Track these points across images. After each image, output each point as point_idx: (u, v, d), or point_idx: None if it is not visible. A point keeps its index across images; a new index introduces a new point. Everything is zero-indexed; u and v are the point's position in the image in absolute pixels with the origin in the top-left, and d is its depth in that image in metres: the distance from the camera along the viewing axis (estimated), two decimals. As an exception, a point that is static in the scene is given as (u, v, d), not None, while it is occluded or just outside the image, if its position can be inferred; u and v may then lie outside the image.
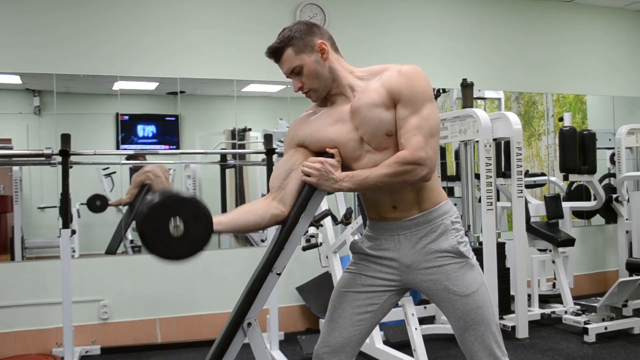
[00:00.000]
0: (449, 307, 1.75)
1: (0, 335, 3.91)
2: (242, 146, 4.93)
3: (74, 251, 4.11)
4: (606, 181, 5.68)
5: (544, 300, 4.68)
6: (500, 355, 1.76)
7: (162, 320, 4.26)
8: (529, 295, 4.47)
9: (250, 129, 4.93)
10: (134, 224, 4.72)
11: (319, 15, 4.74)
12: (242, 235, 5.07)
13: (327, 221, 3.91)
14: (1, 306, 3.93)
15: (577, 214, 5.55)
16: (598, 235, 5.78)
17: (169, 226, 1.57)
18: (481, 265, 3.69)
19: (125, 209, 4.66)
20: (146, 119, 4.72)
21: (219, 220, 1.64)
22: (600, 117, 5.99)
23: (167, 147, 4.76)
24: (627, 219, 5.03)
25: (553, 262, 4.66)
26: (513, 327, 4.01)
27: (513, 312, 4.11)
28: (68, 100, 4.39)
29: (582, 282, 5.47)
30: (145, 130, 4.71)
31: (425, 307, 4.31)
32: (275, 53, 1.77)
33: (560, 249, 4.62)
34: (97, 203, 4.56)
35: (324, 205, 3.69)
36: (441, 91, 5.21)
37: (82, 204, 4.52)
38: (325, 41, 1.76)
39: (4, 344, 3.91)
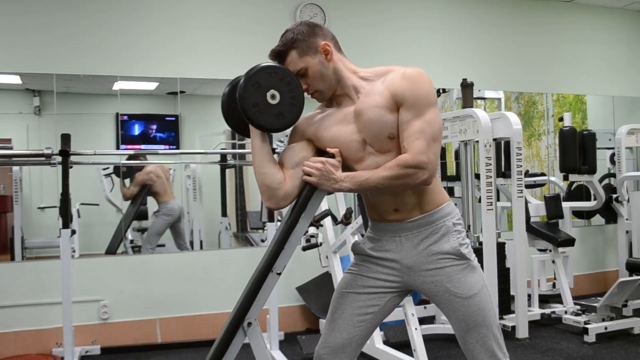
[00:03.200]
0: (450, 309, 1.75)
1: (0, 335, 3.91)
2: (242, 146, 4.93)
3: (74, 251, 4.11)
4: (606, 181, 5.68)
5: (544, 300, 4.68)
6: (501, 356, 1.76)
7: (162, 320, 4.26)
8: (529, 295, 4.47)
9: (250, 129, 4.91)
10: (134, 224, 4.74)
11: (319, 16, 4.74)
12: (242, 235, 5.08)
13: (327, 221, 3.91)
14: (1, 306, 3.93)
15: (577, 214, 5.55)
16: (598, 235, 5.78)
17: (267, 98, 1.71)
18: (481, 265, 3.69)
19: (125, 209, 4.65)
20: (146, 119, 4.72)
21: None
22: (600, 117, 5.99)
23: (167, 147, 4.76)
24: (627, 219, 5.03)
25: (553, 262, 4.66)
26: (513, 327, 4.01)
27: (513, 312, 4.11)
28: (68, 100, 4.39)
29: (582, 282, 5.47)
30: (146, 130, 4.71)
31: (425, 307, 4.31)
32: (279, 56, 1.77)
33: (560, 249, 4.62)
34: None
35: (324, 205, 3.69)
36: (441, 91, 5.21)
37: (82, 204, 4.52)
38: (328, 42, 1.76)
39: (4, 344, 3.91)
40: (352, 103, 1.76)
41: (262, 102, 1.71)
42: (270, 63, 1.75)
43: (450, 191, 5.27)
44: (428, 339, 3.72)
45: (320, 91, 1.78)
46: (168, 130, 4.75)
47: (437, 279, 1.74)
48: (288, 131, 1.92)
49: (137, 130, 4.68)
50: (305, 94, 1.81)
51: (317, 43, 1.75)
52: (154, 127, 4.75)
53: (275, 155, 4.12)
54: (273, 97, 1.71)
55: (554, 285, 4.82)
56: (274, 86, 1.71)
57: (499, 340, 1.76)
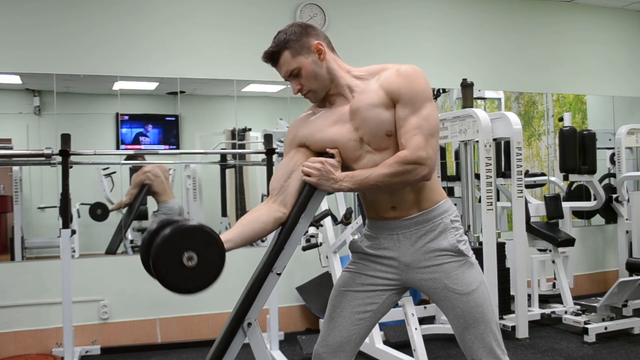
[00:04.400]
0: (448, 306, 1.75)
1: (0, 335, 3.91)
2: (242, 146, 4.93)
3: (74, 251, 4.12)
4: (606, 181, 5.67)
5: (544, 300, 4.68)
6: (500, 353, 1.76)
7: (162, 320, 4.26)
8: (529, 295, 4.47)
9: (250, 129, 4.93)
10: (134, 224, 4.73)
11: (319, 16, 4.74)
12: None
13: (327, 221, 3.91)
14: (1, 306, 3.93)
15: (577, 214, 5.55)
16: (598, 235, 5.78)
17: (183, 259, 1.54)
18: (481, 265, 3.69)
19: (125, 209, 4.65)
20: (146, 118, 4.72)
21: (226, 238, 1.63)
22: (600, 117, 5.99)
23: (167, 147, 4.76)
24: (627, 219, 5.03)
25: (553, 262, 4.66)
26: (513, 327, 4.01)
27: (513, 312, 4.11)
28: (68, 100, 4.39)
29: (582, 282, 5.47)
30: (145, 130, 4.71)
31: (425, 307, 4.32)
32: (272, 57, 1.77)
33: (560, 249, 4.62)
34: (99, 212, 4.56)
35: (324, 205, 3.69)
36: (441, 91, 5.21)
37: (82, 204, 4.52)
38: (321, 41, 1.76)
39: (4, 344, 3.91)
40: (346, 102, 1.76)
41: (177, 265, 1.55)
42: (188, 224, 1.60)
43: (450, 191, 5.28)
44: (428, 339, 3.72)
45: (314, 91, 1.78)
46: (168, 130, 4.75)
47: (435, 275, 1.74)
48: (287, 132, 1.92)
49: (137, 130, 4.68)
50: (299, 94, 1.81)
51: (310, 43, 1.74)
52: (154, 127, 4.75)
53: (276, 156, 4.12)
54: (190, 259, 1.55)
55: (554, 285, 4.82)
56: (191, 247, 1.56)
57: (497, 337, 1.76)
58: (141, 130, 4.71)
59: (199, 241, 1.56)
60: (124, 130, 4.63)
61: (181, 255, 1.53)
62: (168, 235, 1.54)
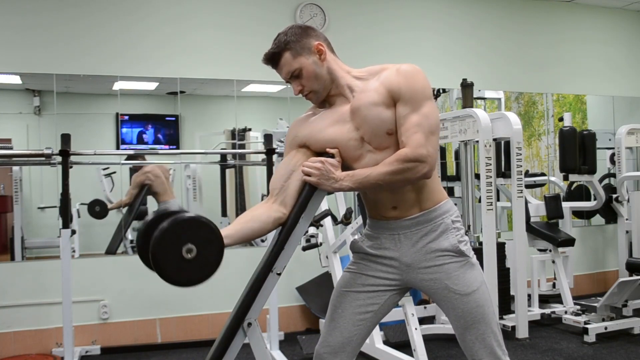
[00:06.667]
0: (449, 306, 1.75)
1: (0, 335, 3.91)
2: (242, 146, 4.93)
3: (74, 251, 4.12)
4: (606, 181, 5.67)
5: (544, 300, 4.68)
6: (500, 354, 1.76)
7: (162, 320, 4.26)
8: (529, 295, 4.47)
9: (250, 129, 4.93)
10: (134, 224, 4.73)
11: (318, 16, 4.74)
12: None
13: (327, 221, 3.91)
14: (1, 306, 3.93)
15: (577, 214, 5.55)
16: (598, 235, 5.78)
17: (182, 252, 1.53)
18: (481, 265, 3.69)
19: (125, 209, 4.65)
20: (146, 118, 4.72)
21: (225, 234, 1.62)
22: (600, 117, 5.99)
23: (167, 147, 4.76)
24: (627, 219, 5.03)
25: (553, 262, 4.66)
26: (513, 327, 4.01)
27: (513, 312, 4.11)
28: (68, 100, 4.39)
29: (582, 282, 5.47)
30: (145, 130, 4.71)
31: (425, 307, 4.32)
32: (273, 58, 1.77)
33: (560, 249, 4.62)
34: (97, 209, 4.55)
35: (324, 205, 3.69)
36: (441, 91, 5.21)
37: (82, 204, 4.52)
38: (321, 42, 1.76)
39: (4, 344, 3.91)
40: (346, 102, 1.76)
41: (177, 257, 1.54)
42: (189, 215, 1.59)
43: (450, 191, 5.27)
44: (428, 339, 3.72)
45: (315, 91, 1.78)
46: (168, 130, 4.75)
47: (436, 276, 1.74)
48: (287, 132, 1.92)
49: (137, 130, 4.68)
50: (300, 95, 1.81)
51: (310, 43, 1.75)
52: (154, 127, 4.75)
53: (276, 156, 4.11)
54: (189, 251, 1.55)
55: (554, 285, 4.82)
56: (190, 240, 1.55)
57: (498, 337, 1.76)
58: (142, 130, 4.71)
59: (198, 233, 1.55)
60: (124, 130, 4.63)
61: (180, 248, 1.53)
62: (167, 228, 1.53)
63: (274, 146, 3.97)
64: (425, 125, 1.65)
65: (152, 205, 4.78)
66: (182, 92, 4.55)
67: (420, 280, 1.77)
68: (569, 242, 4.64)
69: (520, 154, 4.01)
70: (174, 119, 4.70)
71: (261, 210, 1.75)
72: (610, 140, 5.45)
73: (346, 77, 1.77)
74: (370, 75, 1.75)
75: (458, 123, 4.16)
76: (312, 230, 3.49)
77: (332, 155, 1.73)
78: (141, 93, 4.81)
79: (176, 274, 1.56)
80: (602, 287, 5.48)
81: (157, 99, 4.85)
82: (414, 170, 1.65)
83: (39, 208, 4.41)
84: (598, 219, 5.66)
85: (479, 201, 4.16)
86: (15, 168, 4.33)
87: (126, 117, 4.62)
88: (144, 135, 4.71)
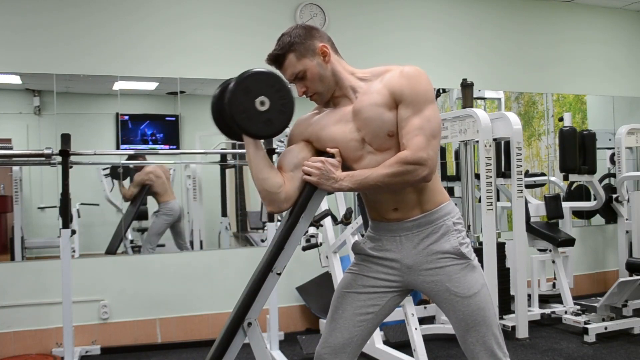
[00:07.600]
0: (450, 309, 1.75)
1: (0, 335, 3.91)
2: (243, 146, 4.92)
3: (74, 251, 4.12)
4: (606, 181, 5.67)
5: (544, 300, 4.68)
6: (501, 356, 1.76)
7: (162, 320, 4.26)
8: (529, 295, 4.47)
9: (250, 129, 4.91)
10: (134, 224, 4.74)
11: (319, 16, 4.74)
12: (242, 235, 5.08)
13: (327, 221, 3.91)
14: (1, 306, 3.93)
15: (577, 214, 5.55)
16: (598, 235, 5.78)
17: (255, 104, 1.70)
18: (481, 265, 3.69)
19: (125, 209, 4.65)
20: (146, 118, 4.72)
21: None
22: (600, 117, 5.99)
23: (167, 147, 4.76)
24: (627, 219, 5.03)
25: (553, 262, 4.66)
26: (513, 327, 4.01)
27: (513, 312, 4.11)
28: (68, 100, 4.39)
29: (582, 282, 5.47)
30: (145, 130, 4.71)
31: (425, 307, 4.32)
32: (277, 60, 1.77)
33: (560, 249, 4.62)
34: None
35: (324, 205, 3.69)
36: (441, 91, 5.22)
37: (82, 204, 4.52)
38: (326, 44, 1.76)
39: (4, 344, 3.91)
40: (350, 103, 1.76)
41: (250, 109, 1.71)
42: (261, 69, 1.74)
43: (450, 191, 5.27)
44: (428, 339, 3.72)
45: (319, 93, 1.78)
46: (168, 130, 4.75)
47: (437, 278, 1.74)
48: (288, 131, 1.92)
49: (137, 130, 4.68)
50: (303, 97, 1.81)
51: (314, 45, 1.75)
52: (154, 127, 4.75)
53: (276, 156, 4.13)
54: (262, 103, 1.70)
55: (554, 285, 4.82)
56: (263, 92, 1.71)
57: (499, 339, 1.76)
58: (142, 130, 4.71)
59: (268, 85, 1.71)
60: (124, 130, 4.62)
61: (254, 100, 1.69)
62: (240, 80, 1.69)
63: (274, 146, 3.97)
64: (427, 129, 1.65)
65: (152, 206, 4.78)
66: (182, 92, 4.55)
67: (422, 282, 1.77)
68: (569, 242, 4.64)
69: (520, 154, 4.01)
70: (174, 119, 4.70)
71: (281, 179, 1.76)
72: (610, 140, 5.46)
73: (350, 79, 1.77)
74: (374, 76, 1.75)
75: (458, 123, 4.16)
76: (312, 230, 3.49)
77: (332, 155, 1.74)
78: (141, 93, 4.81)
79: (252, 125, 1.72)
80: (602, 287, 5.48)
81: (157, 99, 4.85)
82: (414, 173, 1.65)
83: (39, 208, 4.41)
84: (598, 219, 5.66)
85: (479, 201, 4.16)
86: (15, 168, 4.33)
87: (126, 117, 4.62)
88: (144, 136, 4.71)
